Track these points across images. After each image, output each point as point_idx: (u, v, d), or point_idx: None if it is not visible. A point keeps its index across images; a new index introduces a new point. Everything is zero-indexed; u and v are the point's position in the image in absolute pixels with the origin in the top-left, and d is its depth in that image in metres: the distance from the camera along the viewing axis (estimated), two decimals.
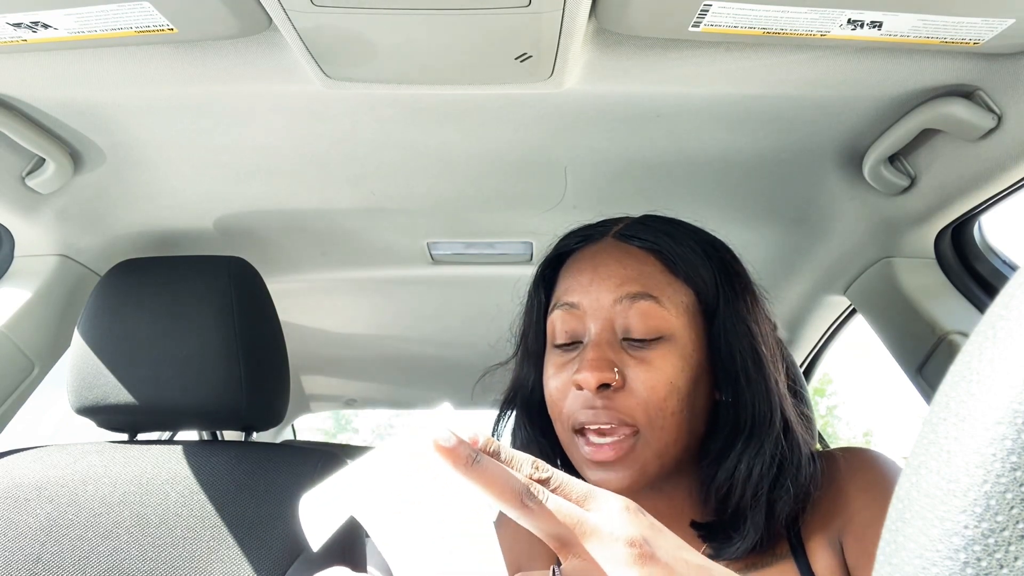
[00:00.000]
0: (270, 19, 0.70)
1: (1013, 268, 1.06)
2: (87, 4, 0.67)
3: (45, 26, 0.70)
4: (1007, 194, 0.92)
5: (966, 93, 0.83)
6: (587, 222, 0.79)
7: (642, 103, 0.90)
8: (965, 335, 1.05)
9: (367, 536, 0.73)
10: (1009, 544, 0.19)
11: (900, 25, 0.69)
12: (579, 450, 0.68)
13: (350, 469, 0.42)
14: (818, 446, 0.89)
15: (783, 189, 1.13)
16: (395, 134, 0.98)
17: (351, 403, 2.70)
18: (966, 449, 0.20)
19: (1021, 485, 0.19)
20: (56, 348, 1.16)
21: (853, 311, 1.44)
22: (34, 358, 1.14)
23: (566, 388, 0.68)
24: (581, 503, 0.42)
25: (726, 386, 0.69)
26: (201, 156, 1.04)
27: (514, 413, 0.80)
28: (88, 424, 1.01)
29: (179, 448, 0.97)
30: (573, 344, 0.70)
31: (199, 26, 0.71)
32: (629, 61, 0.78)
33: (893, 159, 1.00)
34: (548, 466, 0.43)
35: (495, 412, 0.82)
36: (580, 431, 0.67)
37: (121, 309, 0.97)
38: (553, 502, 0.40)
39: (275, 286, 1.10)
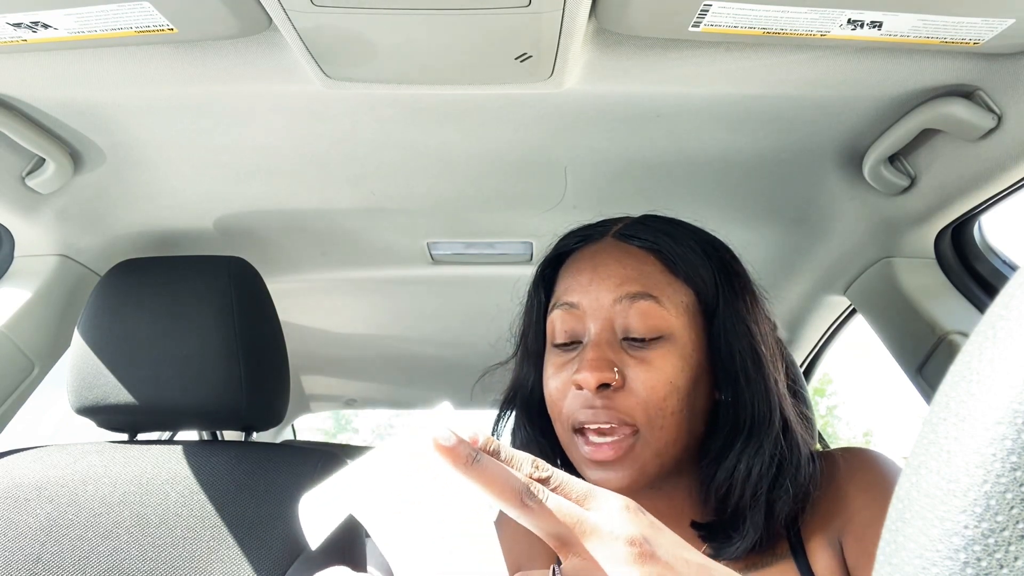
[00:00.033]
0: (270, 19, 0.70)
1: (1013, 268, 1.06)
2: (87, 4, 0.67)
3: (45, 26, 0.70)
4: (1007, 194, 0.92)
5: (966, 93, 0.83)
6: (587, 222, 0.79)
7: (642, 103, 0.90)
8: (965, 335, 1.05)
9: (367, 536, 0.73)
10: (1009, 544, 0.19)
11: (900, 25, 0.69)
12: (579, 450, 0.68)
13: (350, 469, 0.42)
14: (818, 446, 0.89)
15: (783, 189, 1.13)
16: (395, 134, 0.98)
17: (351, 403, 2.70)
18: (966, 449, 0.20)
19: (1021, 485, 0.19)
20: (56, 348, 1.16)
21: (853, 311, 1.44)
22: (34, 358, 1.14)
23: (566, 388, 0.68)
24: (581, 502, 0.42)
25: (726, 386, 0.69)
26: (201, 156, 1.04)
27: (514, 413, 0.80)
28: (88, 424, 1.01)
29: (179, 448, 0.97)
30: (573, 344, 0.70)
31: (199, 26, 0.71)
32: (629, 61, 0.78)
33: (893, 159, 1.00)
34: (548, 465, 0.43)
35: (495, 412, 0.82)
36: (580, 431, 0.67)
37: (121, 309, 0.97)
38: (553, 501, 0.40)
39: (275, 286, 1.10)
